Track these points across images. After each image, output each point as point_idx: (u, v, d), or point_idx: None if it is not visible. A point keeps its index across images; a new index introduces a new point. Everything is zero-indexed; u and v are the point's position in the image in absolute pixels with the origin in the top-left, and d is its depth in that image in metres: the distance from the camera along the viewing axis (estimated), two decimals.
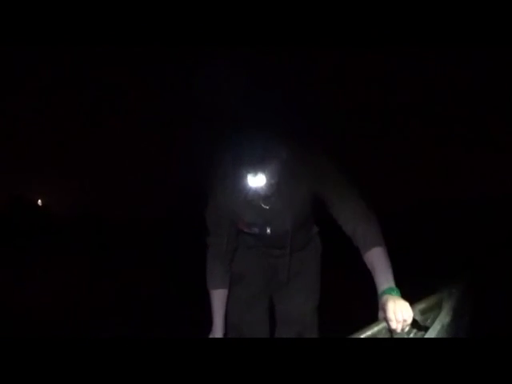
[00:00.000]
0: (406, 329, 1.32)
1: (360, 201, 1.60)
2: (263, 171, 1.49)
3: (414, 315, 1.32)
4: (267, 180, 1.51)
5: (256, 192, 1.56)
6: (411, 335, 1.36)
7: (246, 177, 1.50)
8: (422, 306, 1.40)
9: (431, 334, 1.32)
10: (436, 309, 1.43)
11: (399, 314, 1.28)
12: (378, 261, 1.45)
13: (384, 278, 1.42)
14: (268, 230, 1.75)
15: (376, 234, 1.52)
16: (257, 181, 1.49)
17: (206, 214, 1.82)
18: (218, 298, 1.83)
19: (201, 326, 1.95)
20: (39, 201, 13.29)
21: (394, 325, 1.29)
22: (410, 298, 1.37)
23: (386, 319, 1.32)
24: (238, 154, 1.49)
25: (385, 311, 1.32)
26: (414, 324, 1.34)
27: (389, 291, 1.38)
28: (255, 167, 1.47)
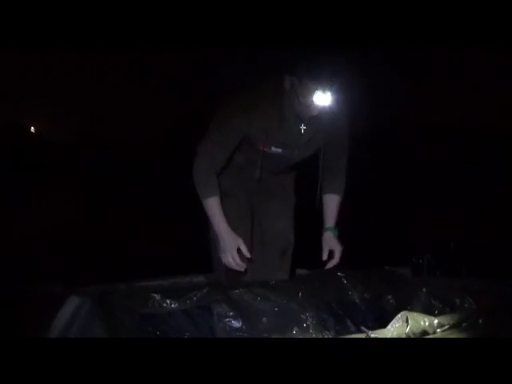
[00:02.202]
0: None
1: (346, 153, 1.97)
2: (332, 89, 1.58)
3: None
4: (332, 99, 1.60)
5: (311, 112, 1.67)
6: None
7: (314, 92, 1.58)
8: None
9: None
10: None
11: (338, 254, 1.92)
12: (333, 205, 1.97)
13: (332, 219, 1.97)
14: (296, 152, 1.89)
15: (343, 185, 1.98)
16: (325, 98, 1.59)
17: (217, 124, 1.81)
18: (217, 204, 1.83)
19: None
20: (32, 128, 13.09)
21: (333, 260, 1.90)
22: None
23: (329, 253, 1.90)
24: (313, 67, 1.58)
25: (329, 246, 1.93)
26: None
27: (333, 230, 1.96)
28: (329, 83, 1.58)
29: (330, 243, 1.94)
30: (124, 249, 3.94)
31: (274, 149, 1.85)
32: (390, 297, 1.75)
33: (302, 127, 1.78)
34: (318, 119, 1.77)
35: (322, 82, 1.59)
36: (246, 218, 2.10)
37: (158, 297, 1.53)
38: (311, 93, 1.60)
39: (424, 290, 1.63)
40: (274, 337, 1.45)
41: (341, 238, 2.00)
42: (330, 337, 1.52)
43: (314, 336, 1.51)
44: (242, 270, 1.78)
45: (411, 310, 1.56)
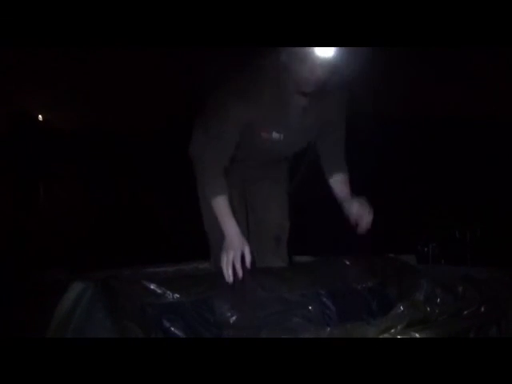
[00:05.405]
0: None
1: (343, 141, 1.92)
2: (330, 62, 1.55)
3: None
4: (329, 69, 1.58)
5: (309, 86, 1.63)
6: None
7: (316, 60, 1.55)
8: None
9: None
10: None
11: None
12: (343, 184, 1.87)
13: (348, 195, 1.83)
14: (298, 137, 1.84)
15: (346, 174, 1.89)
16: (323, 69, 1.57)
17: (214, 117, 1.74)
18: (226, 204, 1.69)
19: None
20: (40, 116, 13.09)
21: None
22: None
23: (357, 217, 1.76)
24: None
25: (357, 210, 1.77)
26: None
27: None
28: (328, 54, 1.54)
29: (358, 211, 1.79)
30: (129, 234, 3.96)
31: (275, 134, 1.78)
32: (393, 285, 1.75)
33: (302, 105, 1.73)
34: (317, 101, 1.74)
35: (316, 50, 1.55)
36: (241, 207, 2.02)
37: (159, 289, 1.53)
38: (307, 63, 1.56)
39: (427, 278, 1.62)
40: (275, 329, 1.44)
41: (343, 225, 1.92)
42: (332, 325, 1.52)
43: (316, 325, 1.51)
44: (230, 280, 1.57)
45: (414, 298, 1.56)
